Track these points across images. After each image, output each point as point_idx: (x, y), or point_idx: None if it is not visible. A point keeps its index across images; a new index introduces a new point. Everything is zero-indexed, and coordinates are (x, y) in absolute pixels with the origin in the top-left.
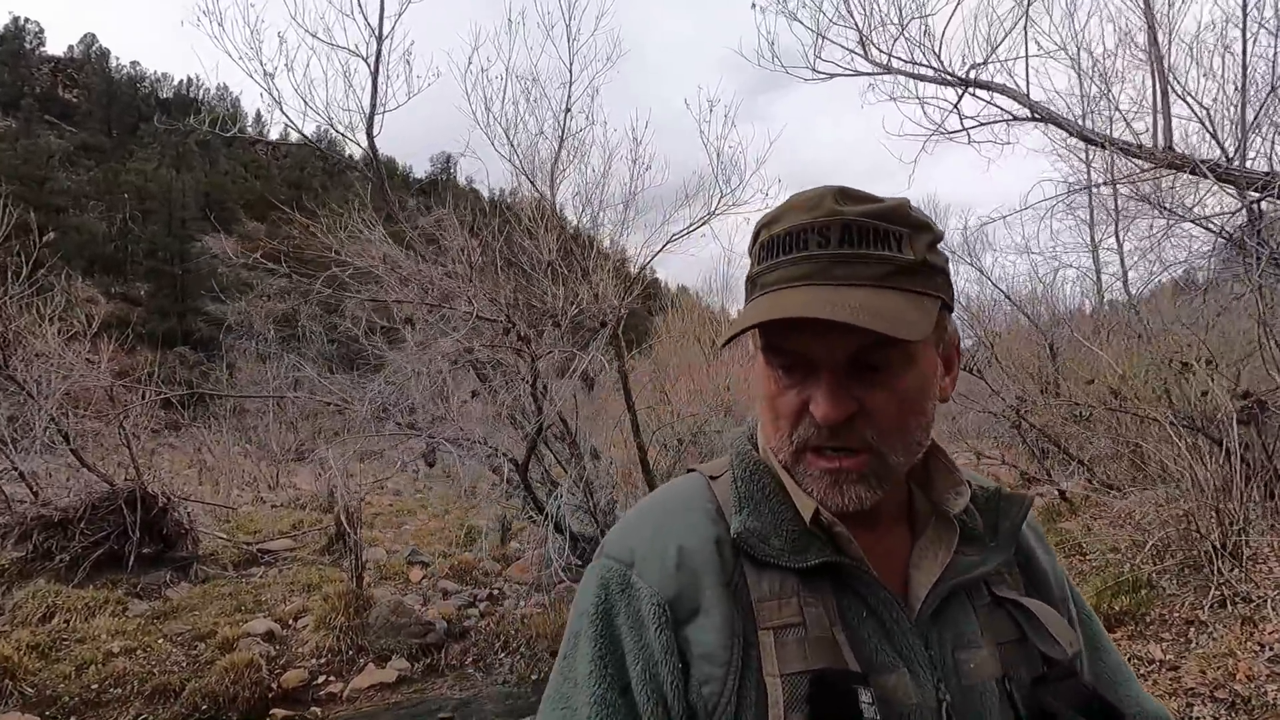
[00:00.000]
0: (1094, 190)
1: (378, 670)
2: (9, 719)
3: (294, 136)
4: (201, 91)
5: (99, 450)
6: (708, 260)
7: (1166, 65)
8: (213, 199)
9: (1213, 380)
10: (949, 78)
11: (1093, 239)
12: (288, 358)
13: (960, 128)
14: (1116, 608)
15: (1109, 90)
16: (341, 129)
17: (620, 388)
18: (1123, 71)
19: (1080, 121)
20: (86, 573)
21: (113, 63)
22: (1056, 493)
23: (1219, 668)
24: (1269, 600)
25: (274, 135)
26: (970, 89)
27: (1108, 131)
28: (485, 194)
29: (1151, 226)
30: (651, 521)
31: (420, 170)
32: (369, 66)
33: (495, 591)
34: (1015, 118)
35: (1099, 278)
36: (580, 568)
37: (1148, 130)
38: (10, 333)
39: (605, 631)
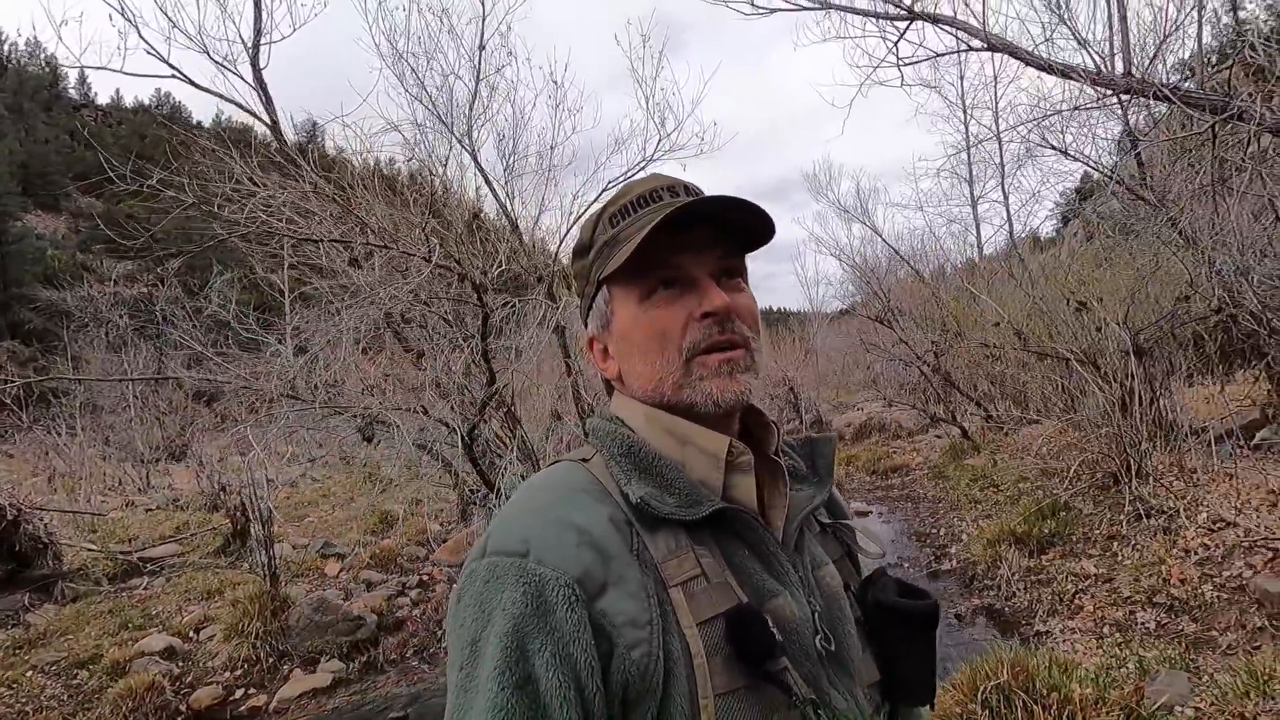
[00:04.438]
0: (977, 147)
1: (308, 675)
2: None
3: (128, 100)
4: (7, 47)
5: None
6: None
7: None
8: (32, 171)
9: (1106, 318)
10: (893, 10)
11: (972, 194)
12: (145, 346)
13: (897, 62)
14: (1046, 531)
15: (1066, 16)
16: (219, 59)
17: (560, 350)
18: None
19: (1036, 50)
20: None
21: None
22: (959, 431)
23: (1152, 575)
24: (1181, 510)
25: (104, 95)
26: (914, 21)
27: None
28: (357, 163)
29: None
30: (539, 509)
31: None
32: None
33: (425, 578)
34: (970, 48)
35: (978, 230)
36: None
37: (1101, 58)
38: None
39: (509, 629)
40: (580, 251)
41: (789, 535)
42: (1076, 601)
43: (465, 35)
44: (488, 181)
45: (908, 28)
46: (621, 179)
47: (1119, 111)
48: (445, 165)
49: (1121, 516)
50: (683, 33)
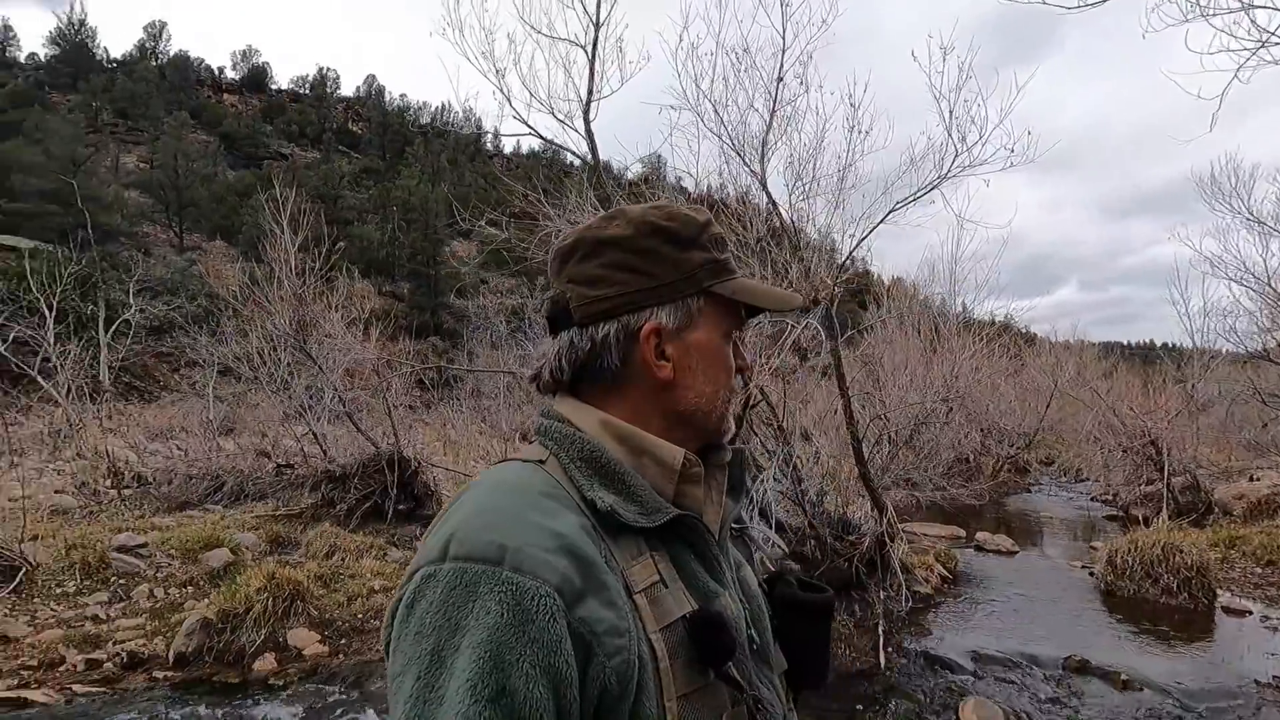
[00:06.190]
0: None
1: None
2: (299, 634)
3: (525, 149)
4: (450, 116)
5: (369, 418)
6: (925, 247)
7: None
8: (458, 208)
9: None
10: None
11: None
12: (516, 346)
13: None
14: None
15: None
16: (561, 117)
17: (833, 372)
18: None
19: None
20: (358, 521)
21: (387, 97)
22: None
23: None
24: None
25: (507, 147)
26: None
27: None
28: (691, 187)
29: None
30: (509, 512)
31: (632, 172)
32: (586, 54)
33: None
34: None
35: None
36: (786, 557)
37: None
38: (309, 317)
39: (484, 640)
40: (677, 240)
41: (723, 539)
42: None
43: (765, 70)
44: (774, 207)
45: None
46: (911, 199)
47: None
48: (738, 191)
49: None
50: (1008, 36)
